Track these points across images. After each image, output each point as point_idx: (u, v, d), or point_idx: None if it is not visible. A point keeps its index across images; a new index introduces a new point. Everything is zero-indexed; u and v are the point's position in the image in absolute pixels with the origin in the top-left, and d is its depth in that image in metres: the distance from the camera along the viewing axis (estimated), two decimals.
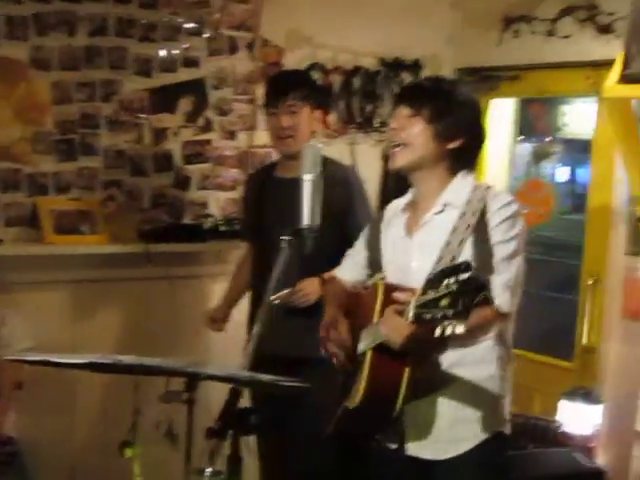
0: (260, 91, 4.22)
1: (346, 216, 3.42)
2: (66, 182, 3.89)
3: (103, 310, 3.96)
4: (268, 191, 3.53)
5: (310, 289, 3.33)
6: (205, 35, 4.13)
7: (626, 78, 3.49)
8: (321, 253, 3.12)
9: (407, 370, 2.34)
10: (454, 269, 2.10)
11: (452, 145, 2.54)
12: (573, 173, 4.78)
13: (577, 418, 3.72)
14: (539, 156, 4.76)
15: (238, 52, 4.22)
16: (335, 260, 3.39)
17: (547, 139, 4.79)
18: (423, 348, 2.31)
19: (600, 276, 4.24)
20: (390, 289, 2.48)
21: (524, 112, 4.77)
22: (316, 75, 4.33)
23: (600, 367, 4.22)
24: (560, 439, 3.71)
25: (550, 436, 3.75)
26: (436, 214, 2.57)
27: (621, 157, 3.82)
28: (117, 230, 3.93)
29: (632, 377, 4.07)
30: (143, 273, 3.94)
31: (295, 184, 3.22)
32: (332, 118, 4.44)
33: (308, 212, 2.54)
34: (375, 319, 2.47)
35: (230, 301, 3.77)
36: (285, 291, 3.24)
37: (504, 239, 2.46)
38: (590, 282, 4.25)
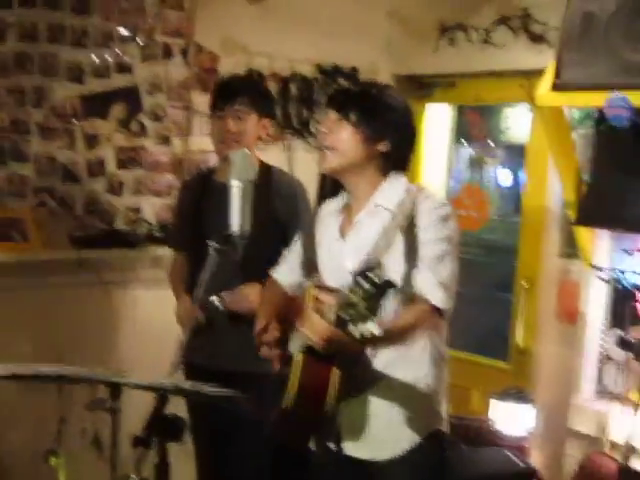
0: (197, 98, 4.25)
1: (291, 226, 3.36)
2: None
3: (34, 317, 3.84)
4: (208, 197, 3.44)
5: (253, 293, 3.25)
6: (139, 41, 4.08)
7: (558, 86, 3.54)
8: (263, 262, 3.14)
9: (334, 370, 2.34)
10: (366, 269, 2.14)
11: (381, 147, 2.57)
12: (515, 176, 4.82)
13: (509, 418, 3.75)
14: (475, 162, 4.79)
15: (172, 58, 4.18)
16: None
17: (486, 144, 4.82)
18: (349, 349, 2.29)
19: (535, 278, 4.30)
20: (320, 289, 2.47)
21: (460, 118, 4.81)
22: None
23: (534, 368, 4.28)
24: (492, 439, 3.73)
25: (483, 436, 3.77)
26: (367, 215, 2.58)
27: (554, 163, 3.87)
28: (49, 237, 3.85)
29: (565, 378, 4.13)
30: (76, 279, 3.87)
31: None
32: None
33: (237, 218, 2.55)
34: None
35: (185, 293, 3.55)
36: (226, 292, 3.21)
37: (435, 238, 2.47)
38: (525, 284, 4.32)
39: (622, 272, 3.82)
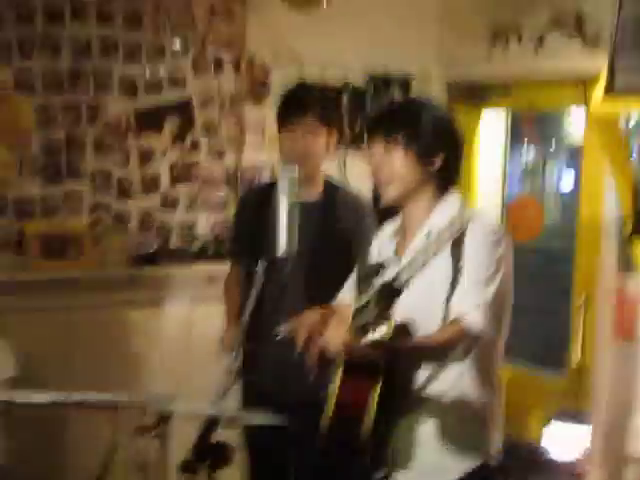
0: (249, 111, 4.26)
1: (358, 247, 3.28)
2: (53, 206, 3.86)
3: (88, 335, 3.88)
4: (270, 212, 3.26)
5: (312, 320, 3.19)
6: (190, 54, 4.10)
7: (612, 91, 3.46)
8: (330, 282, 3.06)
9: (374, 387, 2.31)
10: (374, 272, 2.25)
11: (435, 164, 2.52)
12: (577, 180, 4.71)
13: (564, 441, 3.65)
14: (530, 171, 4.71)
15: (224, 71, 4.20)
16: None
17: (544, 148, 4.75)
18: (373, 355, 2.27)
19: (592, 292, 4.20)
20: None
21: (516, 124, 4.74)
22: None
23: (592, 387, 4.18)
24: (547, 465, 3.65)
25: (537, 462, 3.69)
26: (419, 243, 2.52)
27: (611, 175, 3.79)
28: (104, 254, 3.90)
29: (624, 399, 4.03)
30: (130, 297, 3.92)
31: (304, 209, 3.06)
32: None
33: (285, 240, 2.51)
34: None
35: (236, 319, 3.38)
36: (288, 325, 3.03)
37: (482, 261, 2.41)
38: (582, 298, 4.23)
39: None
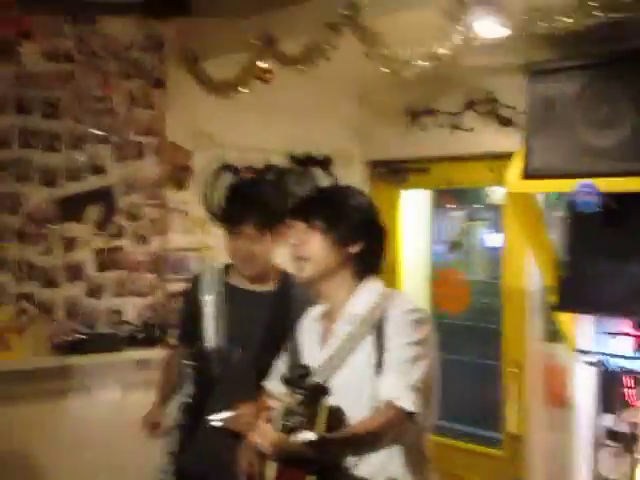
0: (172, 195, 4.27)
1: None
2: None
3: (19, 427, 3.78)
4: (223, 299, 3.29)
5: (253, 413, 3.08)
6: (111, 142, 4.11)
7: (527, 173, 3.56)
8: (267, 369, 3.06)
9: (311, 476, 2.33)
10: (300, 375, 2.23)
11: (353, 249, 2.57)
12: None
13: None
14: (455, 246, 4.80)
15: (145, 157, 4.21)
16: None
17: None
18: (303, 453, 2.23)
19: (522, 363, 4.26)
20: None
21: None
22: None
23: (528, 455, 4.23)
24: None
25: None
26: (344, 323, 2.57)
27: (530, 250, 3.88)
28: (30, 344, 3.82)
29: (559, 464, 4.07)
30: (58, 386, 3.85)
31: (257, 299, 3.29)
32: None
33: (213, 332, 2.51)
34: None
35: (164, 400, 3.44)
36: (226, 414, 3.03)
37: (406, 342, 2.45)
38: (513, 369, 4.28)
39: (608, 355, 3.80)
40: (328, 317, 2.66)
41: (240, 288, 3.31)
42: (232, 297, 3.29)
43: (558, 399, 4.08)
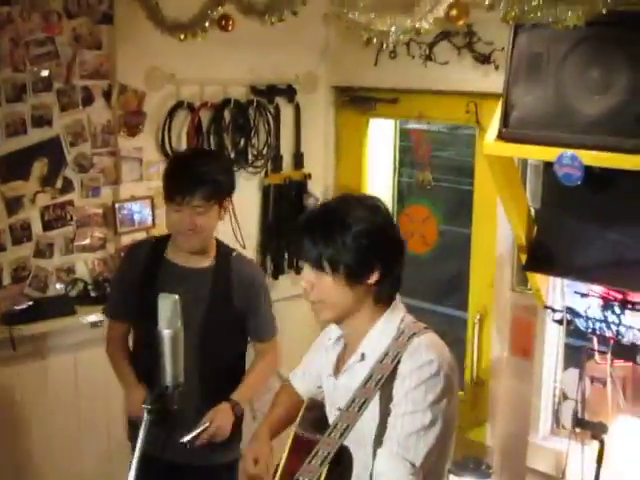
0: (124, 141, 3.96)
1: (249, 316, 3.26)
2: None
3: None
4: (159, 272, 3.21)
5: (223, 421, 3.11)
6: (55, 89, 3.75)
7: (505, 137, 3.32)
8: (222, 351, 3.13)
9: None
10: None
11: (371, 280, 2.28)
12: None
13: None
14: (421, 183, 4.57)
15: (94, 102, 3.87)
16: (236, 363, 3.31)
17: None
18: None
19: (487, 311, 4.19)
20: (299, 441, 2.38)
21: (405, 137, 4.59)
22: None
23: (491, 400, 4.22)
24: None
25: None
26: (356, 362, 2.35)
27: (504, 208, 3.69)
28: None
29: (521, 414, 4.08)
30: (10, 354, 3.65)
31: (195, 276, 3.19)
32: None
33: (170, 370, 2.35)
34: (279, 469, 2.37)
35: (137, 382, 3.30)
36: (196, 431, 3.02)
37: (416, 409, 2.19)
38: (477, 317, 4.21)
39: (576, 314, 3.72)
40: (345, 343, 2.44)
41: (179, 266, 3.20)
42: (168, 272, 3.19)
43: (523, 350, 4.03)
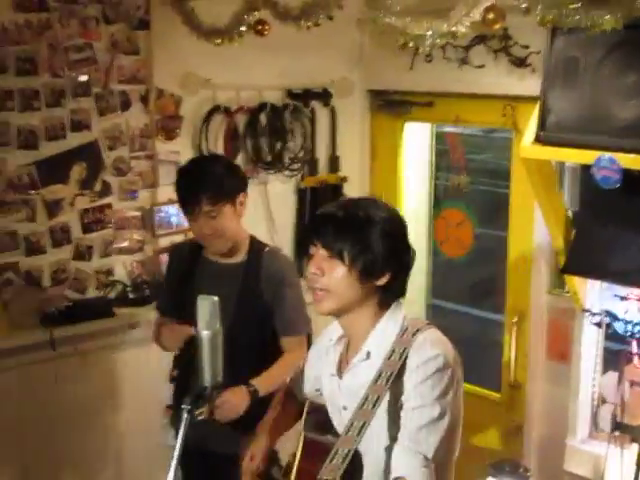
0: (161, 145, 4.01)
1: (275, 312, 3.29)
2: None
3: (11, 400, 3.70)
4: (198, 270, 3.33)
5: (235, 400, 3.14)
6: (93, 93, 3.80)
7: (542, 140, 3.31)
8: (248, 344, 3.15)
9: None
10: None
11: (380, 282, 2.31)
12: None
13: None
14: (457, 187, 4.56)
15: (131, 107, 3.92)
16: (261, 356, 3.31)
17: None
18: None
19: (524, 313, 4.17)
20: (310, 445, 2.38)
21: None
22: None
23: (527, 404, 4.20)
24: None
25: None
26: (360, 361, 2.37)
27: (541, 211, 3.68)
28: (18, 316, 3.65)
29: (558, 417, 4.06)
30: (49, 355, 3.70)
31: (226, 271, 3.28)
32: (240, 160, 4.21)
33: (209, 370, 2.38)
34: (292, 476, 2.38)
35: None
36: (207, 405, 2.99)
37: (425, 403, 2.22)
38: (514, 319, 4.19)
39: (615, 318, 3.70)
40: (346, 343, 2.46)
41: (214, 262, 3.32)
42: (205, 270, 3.31)
43: (560, 354, 4.01)
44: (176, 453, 2.29)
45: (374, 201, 2.43)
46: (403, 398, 2.25)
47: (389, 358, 2.29)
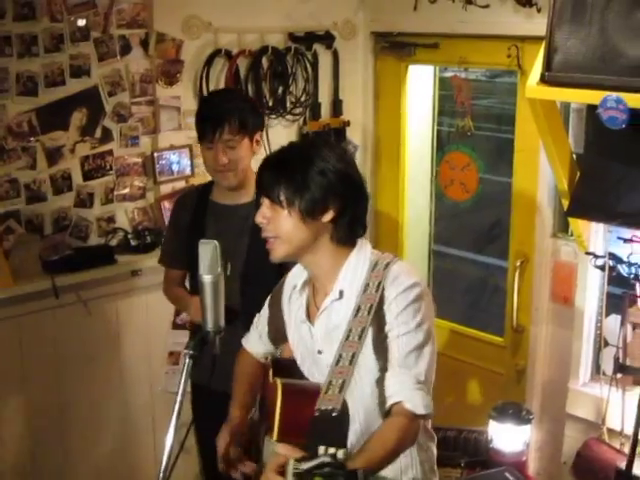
0: (162, 90, 3.95)
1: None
2: None
3: (15, 348, 3.71)
4: (207, 217, 3.36)
5: None
6: (93, 38, 3.74)
7: (548, 80, 3.26)
8: (262, 284, 2.98)
9: None
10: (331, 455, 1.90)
11: (325, 218, 2.34)
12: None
13: (507, 437, 3.65)
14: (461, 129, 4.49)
15: (131, 52, 3.86)
16: None
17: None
18: None
19: (528, 257, 4.15)
20: (290, 390, 2.35)
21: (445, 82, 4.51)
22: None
23: (530, 347, 4.20)
24: (491, 454, 3.66)
25: (482, 450, 3.71)
26: (333, 301, 2.39)
27: (546, 153, 3.63)
28: (20, 264, 3.63)
29: (561, 359, 4.07)
30: (52, 303, 3.69)
31: (237, 212, 3.31)
32: None
33: (211, 315, 2.38)
34: (276, 425, 2.32)
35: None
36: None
37: (409, 329, 2.28)
38: (518, 262, 4.18)
39: (619, 260, 3.68)
40: (312, 287, 2.49)
41: (222, 204, 3.36)
42: (215, 214, 3.35)
43: (564, 297, 4.00)
44: (179, 398, 2.31)
45: (314, 144, 2.55)
46: (386, 328, 2.31)
47: (365, 292, 2.32)
